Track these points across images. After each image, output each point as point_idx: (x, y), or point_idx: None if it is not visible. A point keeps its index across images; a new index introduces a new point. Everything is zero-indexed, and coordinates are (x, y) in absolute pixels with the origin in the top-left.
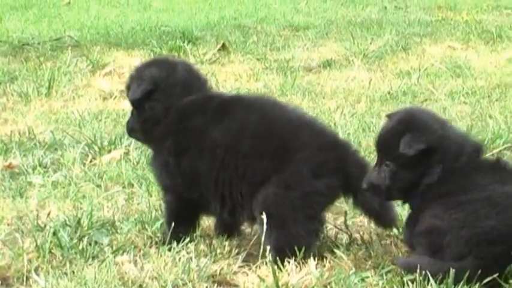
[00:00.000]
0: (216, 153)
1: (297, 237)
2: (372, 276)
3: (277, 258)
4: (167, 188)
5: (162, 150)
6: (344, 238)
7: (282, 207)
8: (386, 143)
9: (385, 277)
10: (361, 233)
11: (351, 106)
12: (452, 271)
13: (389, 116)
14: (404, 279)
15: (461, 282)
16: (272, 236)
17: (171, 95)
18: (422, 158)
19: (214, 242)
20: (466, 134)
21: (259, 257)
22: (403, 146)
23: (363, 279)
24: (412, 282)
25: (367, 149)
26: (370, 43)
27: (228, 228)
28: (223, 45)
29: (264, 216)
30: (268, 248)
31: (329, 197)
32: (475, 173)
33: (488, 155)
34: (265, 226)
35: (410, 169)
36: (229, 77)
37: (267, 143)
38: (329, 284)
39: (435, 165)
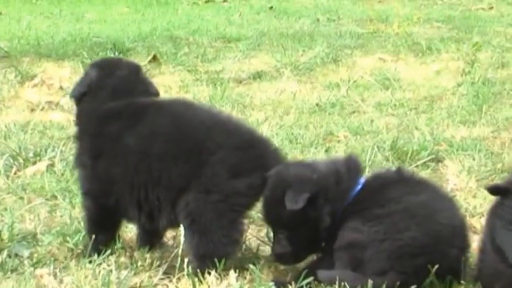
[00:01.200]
0: (130, 158)
1: (218, 246)
2: (292, 286)
3: (198, 267)
4: (86, 192)
5: (81, 151)
6: (266, 250)
7: (205, 212)
8: (270, 214)
9: None
10: None
11: (279, 118)
12: (370, 283)
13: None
14: None
15: None
16: (194, 244)
17: (98, 98)
18: (307, 210)
19: (135, 254)
20: (336, 158)
21: (180, 269)
22: (289, 204)
23: None
24: None
25: None
26: (301, 55)
27: (150, 240)
28: (154, 57)
29: (185, 224)
30: (189, 258)
31: (251, 196)
32: (386, 186)
33: (413, 166)
34: (185, 233)
35: (303, 227)
36: (159, 88)
37: (179, 146)
38: None
39: (323, 208)
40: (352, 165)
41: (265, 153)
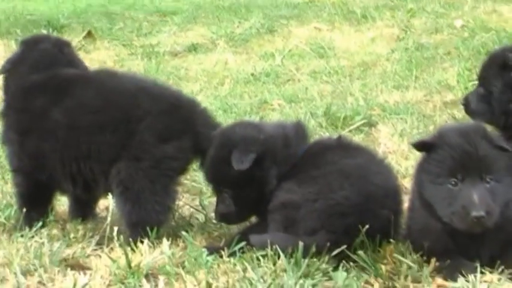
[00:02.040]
0: (58, 132)
1: (151, 213)
2: (224, 253)
3: (131, 236)
4: (16, 169)
5: (8, 127)
6: (200, 218)
7: (137, 180)
8: (216, 173)
9: (238, 254)
10: None
11: (214, 88)
12: (301, 245)
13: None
14: (256, 255)
15: (311, 256)
16: (126, 212)
17: (21, 72)
18: (253, 170)
19: (68, 226)
20: (284, 122)
21: (113, 239)
22: (236, 163)
23: (215, 257)
24: (264, 258)
25: None
26: (237, 26)
27: (82, 212)
28: (89, 33)
29: (117, 192)
30: (122, 227)
31: (181, 160)
32: (324, 151)
33: (346, 131)
34: (117, 202)
35: (248, 187)
36: (93, 63)
37: (106, 117)
38: (182, 263)
39: (270, 170)
40: (300, 131)
41: (193, 115)
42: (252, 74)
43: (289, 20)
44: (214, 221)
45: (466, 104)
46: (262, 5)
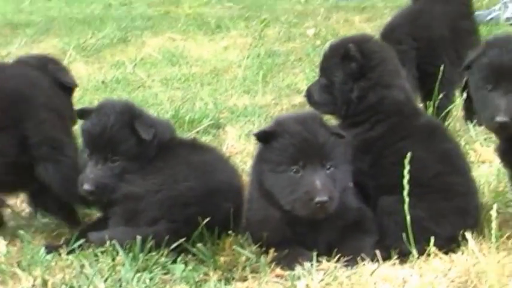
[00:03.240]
0: None
1: None
2: (63, 250)
3: None
4: None
5: None
6: (39, 217)
7: None
8: (112, 138)
9: (77, 251)
10: None
11: None
12: (138, 238)
13: (96, 111)
14: (95, 251)
15: (150, 249)
16: None
17: None
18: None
19: None
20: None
21: None
22: (144, 133)
23: (54, 255)
24: (103, 253)
25: None
26: (90, 37)
27: None
28: None
29: None
30: None
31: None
32: (177, 146)
33: (193, 132)
34: None
35: (133, 160)
36: None
37: None
38: (19, 261)
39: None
40: (166, 129)
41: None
42: (103, 82)
43: (144, 31)
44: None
45: (309, 95)
46: (117, 17)
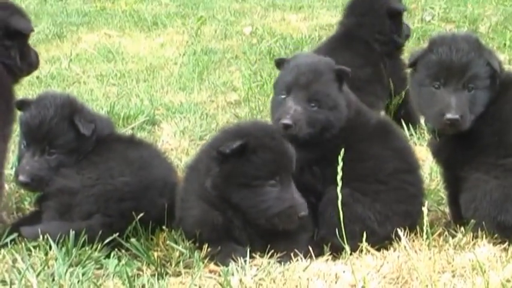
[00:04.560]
0: None
1: None
2: None
3: None
4: None
5: None
6: None
7: None
8: (50, 131)
9: (9, 245)
10: None
11: None
12: (72, 233)
13: (36, 103)
14: (28, 245)
15: (83, 244)
16: None
17: None
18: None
19: None
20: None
21: None
22: (83, 128)
23: None
24: (36, 248)
25: None
26: None
27: None
28: None
29: None
30: None
31: None
32: (114, 142)
33: (128, 128)
34: None
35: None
36: None
37: None
38: None
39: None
40: (105, 124)
41: None
42: (37, 77)
43: (79, 27)
44: None
45: None
46: (52, 12)
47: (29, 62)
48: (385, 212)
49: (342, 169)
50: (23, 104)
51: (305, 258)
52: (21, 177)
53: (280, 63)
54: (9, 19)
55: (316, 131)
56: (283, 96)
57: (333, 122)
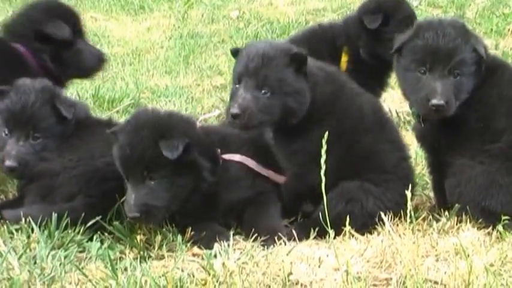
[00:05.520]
0: None
1: None
2: None
3: None
4: None
5: None
6: None
7: None
8: (33, 115)
9: None
10: None
11: None
12: (54, 215)
13: (15, 90)
14: (10, 228)
15: (65, 227)
16: None
17: None
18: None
19: None
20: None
21: None
22: (65, 111)
23: None
24: (18, 231)
25: None
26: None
27: None
28: None
29: None
30: None
31: None
32: (93, 125)
33: (113, 111)
34: None
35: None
36: None
37: None
38: None
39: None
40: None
41: None
42: None
43: None
44: None
45: None
46: None
47: (66, 66)
48: (390, 203)
49: None
50: (0, 93)
51: (288, 242)
52: (8, 162)
53: (235, 53)
54: (42, 24)
55: (275, 117)
56: (237, 86)
57: (294, 107)
